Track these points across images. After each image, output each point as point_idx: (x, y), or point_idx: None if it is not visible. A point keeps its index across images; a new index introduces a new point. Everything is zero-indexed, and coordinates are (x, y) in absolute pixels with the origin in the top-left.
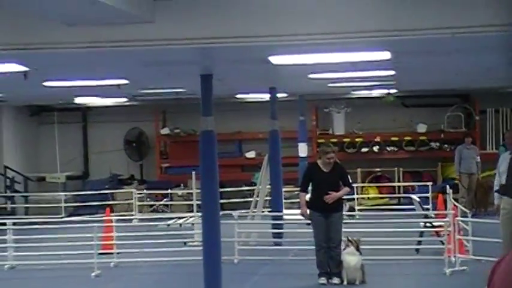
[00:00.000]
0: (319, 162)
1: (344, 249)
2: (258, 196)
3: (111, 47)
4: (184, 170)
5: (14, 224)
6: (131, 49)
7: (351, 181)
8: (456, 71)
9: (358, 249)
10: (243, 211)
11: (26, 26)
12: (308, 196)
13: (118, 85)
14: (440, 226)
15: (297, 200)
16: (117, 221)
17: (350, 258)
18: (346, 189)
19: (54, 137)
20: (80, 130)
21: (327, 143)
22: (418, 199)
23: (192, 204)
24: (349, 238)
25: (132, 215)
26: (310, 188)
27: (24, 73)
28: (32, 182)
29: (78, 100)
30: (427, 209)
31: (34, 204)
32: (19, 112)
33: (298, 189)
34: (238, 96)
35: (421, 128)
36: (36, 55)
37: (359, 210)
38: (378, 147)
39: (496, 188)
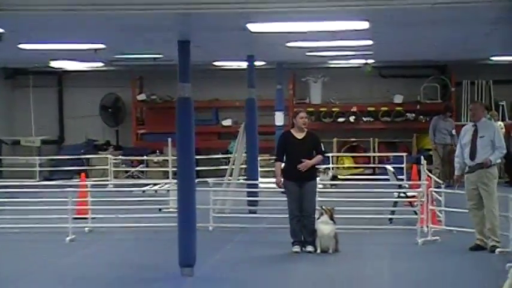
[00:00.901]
0: (292, 130)
1: (318, 218)
2: (233, 164)
3: (89, 11)
4: (160, 137)
5: None
6: (109, 13)
7: (323, 149)
8: (433, 43)
9: (332, 218)
10: (218, 179)
11: None
12: (282, 165)
13: (95, 50)
14: (413, 196)
15: (273, 169)
16: (92, 186)
17: (324, 227)
18: (319, 157)
19: (29, 100)
20: (55, 94)
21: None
22: (392, 169)
23: (168, 171)
24: (323, 207)
25: (108, 180)
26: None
27: (0, 34)
28: (7, 145)
29: (54, 64)
30: (402, 180)
31: (8, 167)
32: None
33: (274, 158)
34: (216, 63)
35: (398, 99)
36: (13, 17)
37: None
38: (354, 117)
39: (456, 158)
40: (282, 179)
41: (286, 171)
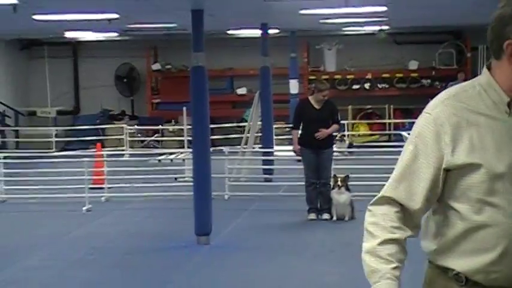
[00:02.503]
0: (310, 98)
1: (332, 188)
2: (248, 132)
3: None
4: (175, 106)
5: (5, 157)
6: None
7: (339, 118)
8: (449, 6)
9: (346, 186)
10: (233, 147)
11: None
12: (299, 133)
13: (109, 19)
14: None
15: (288, 137)
16: (108, 156)
17: (339, 196)
18: (336, 126)
19: (44, 71)
20: (70, 65)
21: (321, 79)
22: (408, 136)
23: (183, 140)
24: (336, 175)
25: (123, 150)
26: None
27: (14, 6)
28: (23, 116)
29: (69, 34)
30: None
31: (25, 138)
32: (9, 46)
33: (289, 126)
34: (230, 32)
35: (413, 65)
36: None
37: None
38: (369, 84)
39: None
40: (299, 147)
41: (303, 139)
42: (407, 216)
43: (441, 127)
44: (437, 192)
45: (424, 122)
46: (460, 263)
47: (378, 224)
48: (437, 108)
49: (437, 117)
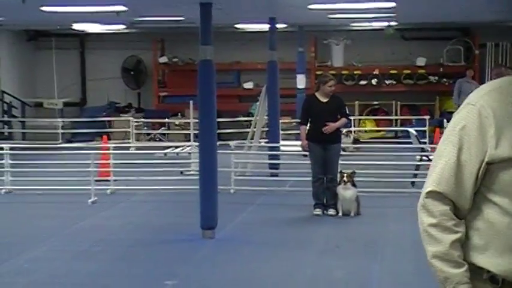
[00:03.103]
0: (317, 94)
1: (339, 184)
2: (255, 127)
3: None
4: (182, 99)
5: (11, 148)
6: None
7: (348, 112)
8: (458, 3)
9: (352, 182)
10: (240, 141)
11: None
12: (307, 128)
13: (117, 12)
14: None
15: (294, 132)
16: (114, 148)
17: (345, 192)
18: (344, 120)
19: (51, 62)
20: (77, 56)
21: (324, 73)
22: (415, 132)
23: (189, 134)
24: (343, 171)
25: (129, 143)
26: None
27: None
28: (30, 107)
29: (76, 26)
30: (424, 143)
31: (31, 130)
32: (16, 37)
33: (295, 120)
34: (238, 26)
35: (420, 62)
36: None
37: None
38: (376, 80)
39: None
40: (307, 142)
41: (310, 134)
42: (457, 210)
43: (486, 119)
44: (477, 185)
45: (467, 113)
46: (497, 262)
47: (440, 225)
48: (482, 100)
49: (481, 109)
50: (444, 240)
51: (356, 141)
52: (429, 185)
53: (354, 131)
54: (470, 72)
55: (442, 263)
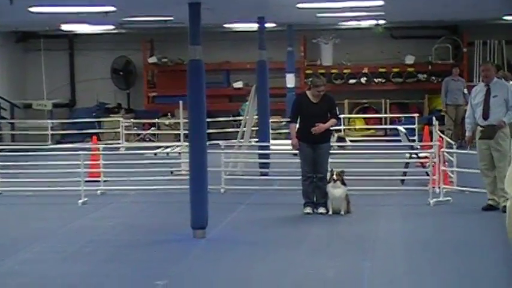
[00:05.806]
0: (308, 93)
1: (328, 182)
2: (245, 126)
3: None
4: (171, 100)
5: (0, 150)
6: None
7: (338, 113)
8: (444, 2)
9: (342, 181)
10: (229, 141)
11: None
12: (296, 127)
13: (106, 12)
14: (425, 157)
15: (284, 131)
16: (104, 149)
17: (335, 190)
18: (333, 120)
19: (40, 64)
20: (66, 57)
21: (318, 74)
22: (404, 130)
23: (179, 134)
24: (333, 170)
25: (119, 143)
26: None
27: None
28: (19, 108)
29: (65, 27)
30: (413, 141)
31: (20, 131)
32: (4, 38)
33: (285, 120)
34: (227, 25)
35: (409, 60)
36: None
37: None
38: (365, 78)
39: (467, 119)
40: (297, 140)
41: (300, 133)
42: None
43: None
44: None
45: None
46: None
47: None
48: None
49: None
50: None
51: (340, 139)
52: None
53: (344, 130)
54: (456, 70)
55: None
